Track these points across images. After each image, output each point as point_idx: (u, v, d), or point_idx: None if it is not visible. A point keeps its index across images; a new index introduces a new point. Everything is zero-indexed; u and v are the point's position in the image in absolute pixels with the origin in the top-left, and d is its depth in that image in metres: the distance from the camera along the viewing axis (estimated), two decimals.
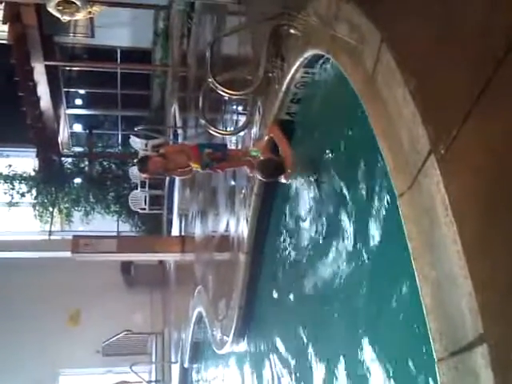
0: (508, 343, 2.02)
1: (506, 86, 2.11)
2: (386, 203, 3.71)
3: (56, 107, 18.63)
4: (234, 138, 8.01)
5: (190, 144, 6.99)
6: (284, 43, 5.50)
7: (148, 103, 21.12)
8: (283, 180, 5.80)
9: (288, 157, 5.64)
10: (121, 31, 18.09)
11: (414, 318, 3.13)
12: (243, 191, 7.54)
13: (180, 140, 14.67)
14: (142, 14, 17.13)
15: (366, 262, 4.12)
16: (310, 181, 5.35)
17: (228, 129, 8.49)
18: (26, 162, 20.73)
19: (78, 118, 22.07)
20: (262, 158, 5.96)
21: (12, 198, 20.12)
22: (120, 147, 22.29)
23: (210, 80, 6.02)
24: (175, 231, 16.80)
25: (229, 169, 7.39)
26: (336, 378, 4.64)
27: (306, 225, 5.53)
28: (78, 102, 21.67)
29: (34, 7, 14.10)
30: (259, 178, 6.01)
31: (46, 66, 16.22)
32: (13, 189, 20.03)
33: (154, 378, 17.76)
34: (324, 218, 5.02)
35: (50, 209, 20.17)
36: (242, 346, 8.11)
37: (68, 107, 20.77)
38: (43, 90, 17.03)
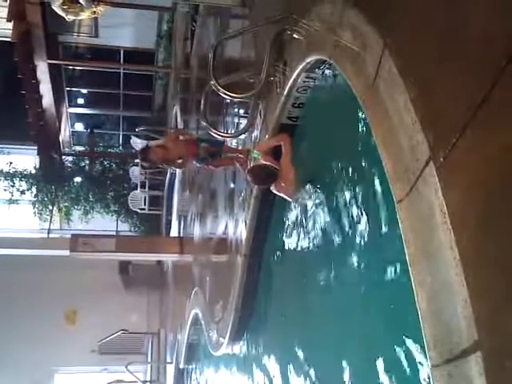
0: (502, 351, 2.03)
1: (507, 95, 2.12)
2: (384, 209, 3.72)
3: (58, 106, 18.65)
4: (234, 141, 8.03)
5: (189, 136, 7.21)
6: (287, 47, 5.52)
7: (150, 104, 21.16)
8: (285, 196, 5.76)
9: (287, 172, 5.59)
10: (125, 32, 18.12)
11: (410, 325, 3.15)
12: (242, 194, 7.55)
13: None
14: (146, 16, 17.17)
15: (364, 266, 4.13)
16: (308, 185, 5.36)
17: (229, 131, 8.51)
18: (26, 159, 20.76)
19: (79, 117, 22.11)
20: (262, 160, 5.98)
21: (12, 196, 20.14)
22: (121, 147, 22.32)
23: (212, 82, 6.04)
24: (174, 232, 16.82)
25: (223, 166, 7.61)
26: (332, 380, 4.65)
27: (304, 229, 5.54)
28: (80, 101, 21.71)
29: (39, 6, 14.13)
30: (250, 183, 6.02)
31: (49, 65, 16.24)
32: (13, 186, 20.06)
33: (149, 378, 17.75)
34: (322, 223, 5.04)
35: (50, 207, 20.19)
36: (238, 349, 8.12)
37: (70, 106, 20.81)
38: (46, 89, 17.05)
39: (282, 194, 5.75)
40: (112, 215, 21.02)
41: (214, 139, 7.11)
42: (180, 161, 6.98)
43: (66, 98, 20.24)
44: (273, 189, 5.73)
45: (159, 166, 8.10)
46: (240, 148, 7.71)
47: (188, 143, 6.98)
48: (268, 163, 5.80)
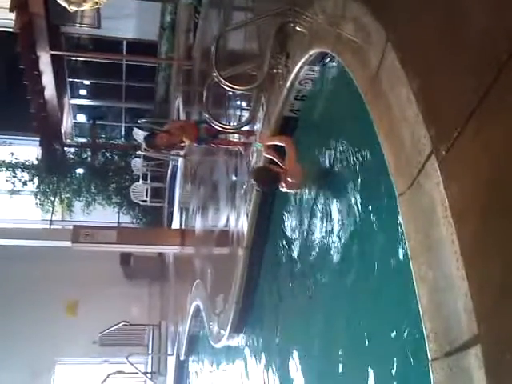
0: (502, 344, 2.04)
1: (509, 89, 2.12)
2: (385, 202, 3.71)
3: (60, 97, 18.64)
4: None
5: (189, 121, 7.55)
6: (289, 40, 5.51)
7: (152, 96, 21.10)
8: (284, 189, 5.70)
9: (294, 170, 5.51)
10: (127, 23, 18.06)
11: (410, 318, 3.15)
12: (244, 186, 7.56)
13: None
14: (149, 7, 17.12)
15: (365, 259, 4.14)
16: (310, 178, 5.36)
17: (231, 124, 8.51)
18: (28, 150, 20.76)
19: (81, 109, 22.06)
20: (264, 153, 5.97)
21: (14, 186, 20.15)
22: (123, 139, 22.30)
23: (214, 74, 6.03)
24: (175, 224, 16.82)
25: (225, 146, 7.79)
26: (332, 373, 4.66)
27: (306, 221, 5.54)
28: (83, 92, 21.64)
29: None
30: (254, 186, 5.99)
31: (52, 56, 16.21)
32: (15, 177, 20.05)
33: (149, 370, 17.79)
34: (324, 215, 5.04)
35: (52, 198, 20.19)
36: (239, 341, 8.14)
37: (72, 97, 20.78)
38: (48, 80, 17.03)
39: (288, 190, 5.69)
40: (114, 207, 21.00)
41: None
42: (183, 144, 7.36)
43: (69, 89, 20.21)
44: (283, 188, 5.65)
45: (163, 150, 8.63)
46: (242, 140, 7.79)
47: (189, 126, 7.28)
48: (270, 166, 5.75)
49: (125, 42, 18.82)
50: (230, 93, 8.22)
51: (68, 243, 12.48)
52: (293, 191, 5.73)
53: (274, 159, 5.78)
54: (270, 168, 5.72)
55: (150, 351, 18.10)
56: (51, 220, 19.26)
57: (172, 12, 17.24)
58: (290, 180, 5.46)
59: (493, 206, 2.18)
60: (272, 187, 5.68)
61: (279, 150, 5.80)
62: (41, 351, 17.51)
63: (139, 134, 16.51)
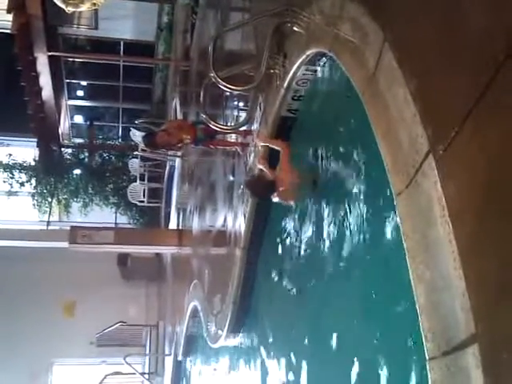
0: (499, 343, 2.04)
1: (506, 89, 2.12)
2: (383, 203, 3.72)
3: (57, 98, 18.63)
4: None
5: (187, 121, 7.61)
6: (287, 40, 5.51)
7: (149, 97, 21.11)
8: (275, 199, 5.65)
9: (285, 177, 5.45)
10: (125, 24, 18.07)
11: (408, 317, 3.15)
12: (242, 186, 7.55)
13: None
14: (146, 8, 17.13)
15: (362, 259, 4.14)
16: (308, 178, 5.36)
17: (228, 124, 8.50)
18: (26, 151, 20.75)
19: (79, 110, 22.07)
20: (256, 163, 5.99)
21: (11, 187, 20.13)
22: (120, 139, 22.29)
23: (211, 75, 6.03)
24: (173, 225, 16.82)
25: (223, 146, 7.83)
26: (327, 372, 4.66)
27: (303, 222, 5.54)
28: (80, 93, 21.66)
29: None
30: (250, 196, 5.94)
31: (49, 57, 16.20)
32: (12, 178, 20.04)
33: (147, 370, 17.77)
34: (321, 215, 5.04)
35: (49, 199, 20.19)
36: (236, 341, 8.13)
37: (69, 98, 20.79)
38: (45, 81, 17.02)
39: (282, 200, 5.63)
40: (111, 207, 21.01)
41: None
42: (180, 144, 7.39)
43: (66, 91, 20.22)
44: (274, 198, 5.61)
45: (161, 150, 8.75)
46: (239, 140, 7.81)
47: (186, 126, 7.35)
48: (263, 172, 5.73)
49: (122, 43, 18.84)
50: (228, 93, 8.23)
51: (65, 244, 12.46)
52: (288, 201, 5.67)
53: (265, 169, 5.76)
54: (263, 177, 5.69)
55: (147, 352, 18.07)
56: (48, 221, 19.24)
57: (169, 13, 17.25)
58: (280, 189, 5.40)
59: (490, 206, 2.18)
60: (267, 196, 5.62)
61: (271, 161, 5.80)
62: (38, 352, 17.49)
63: (136, 135, 16.51)
